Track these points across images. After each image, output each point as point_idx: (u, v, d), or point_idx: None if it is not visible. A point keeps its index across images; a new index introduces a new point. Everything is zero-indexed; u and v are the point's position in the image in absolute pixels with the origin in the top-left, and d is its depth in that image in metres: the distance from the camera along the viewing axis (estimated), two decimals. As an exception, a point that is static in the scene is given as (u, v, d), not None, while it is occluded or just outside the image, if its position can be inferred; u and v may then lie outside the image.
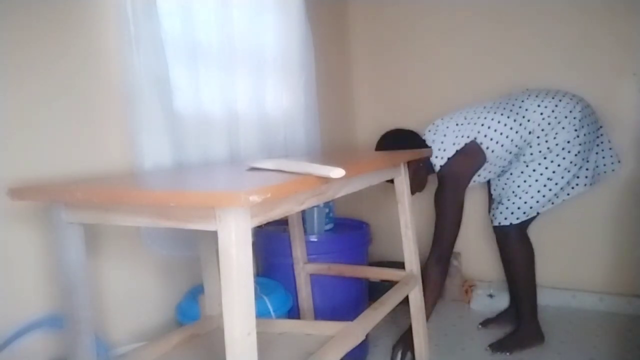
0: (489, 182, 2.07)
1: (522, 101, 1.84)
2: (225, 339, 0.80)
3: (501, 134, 1.80)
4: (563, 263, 2.33)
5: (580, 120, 1.77)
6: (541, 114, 1.79)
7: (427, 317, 1.72)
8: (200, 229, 0.82)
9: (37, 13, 1.20)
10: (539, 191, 1.82)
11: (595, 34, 2.17)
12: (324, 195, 1.09)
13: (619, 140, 2.11)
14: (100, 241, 1.36)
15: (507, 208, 1.87)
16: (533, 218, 1.90)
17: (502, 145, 1.81)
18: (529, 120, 1.79)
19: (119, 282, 1.41)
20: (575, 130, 1.76)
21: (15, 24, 1.16)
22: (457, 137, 1.86)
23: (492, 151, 1.82)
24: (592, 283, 2.29)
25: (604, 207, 2.23)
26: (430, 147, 1.91)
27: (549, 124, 1.77)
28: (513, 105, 1.85)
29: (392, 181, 1.57)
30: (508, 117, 1.81)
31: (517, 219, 1.86)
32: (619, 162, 1.93)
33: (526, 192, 1.83)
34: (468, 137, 1.84)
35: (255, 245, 1.82)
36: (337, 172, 0.92)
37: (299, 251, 1.76)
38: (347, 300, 1.84)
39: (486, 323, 2.15)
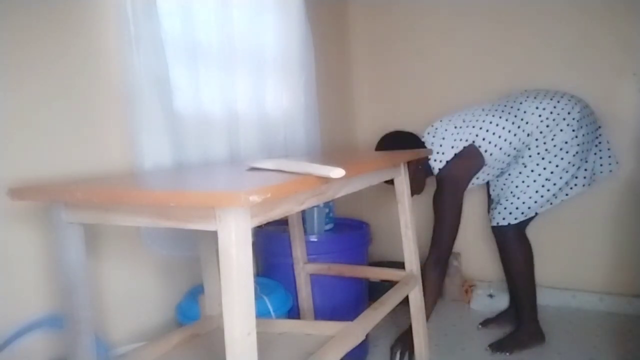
0: (487, 182, 2.07)
1: (521, 103, 1.84)
2: (225, 339, 0.80)
3: (500, 137, 1.80)
4: (563, 263, 2.33)
5: (578, 121, 1.77)
6: (539, 116, 1.79)
7: (427, 318, 1.72)
8: (200, 229, 0.82)
9: (37, 13, 1.20)
10: (537, 191, 1.82)
11: (595, 34, 2.17)
12: (324, 195, 1.09)
13: (619, 141, 2.11)
14: (100, 241, 1.36)
15: (505, 208, 1.87)
16: (531, 218, 1.90)
17: (500, 149, 1.81)
18: (527, 123, 1.79)
19: (119, 282, 1.41)
20: (573, 130, 1.76)
21: (15, 24, 1.16)
22: (455, 140, 1.86)
23: (491, 154, 1.82)
24: (592, 283, 2.29)
25: (604, 207, 2.23)
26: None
27: (547, 126, 1.78)
28: (511, 107, 1.85)
29: (391, 182, 1.58)
30: (506, 120, 1.81)
31: (515, 219, 1.86)
32: (617, 163, 1.93)
33: (524, 193, 1.83)
34: (467, 140, 1.84)
35: (255, 245, 1.82)
36: (337, 172, 0.92)
37: (299, 251, 1.76)
38: (347, 300, 1.84)
39: (486, 323, 2.15)
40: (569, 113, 1.77)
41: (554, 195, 1.83)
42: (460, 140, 1.85)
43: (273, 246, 1.85)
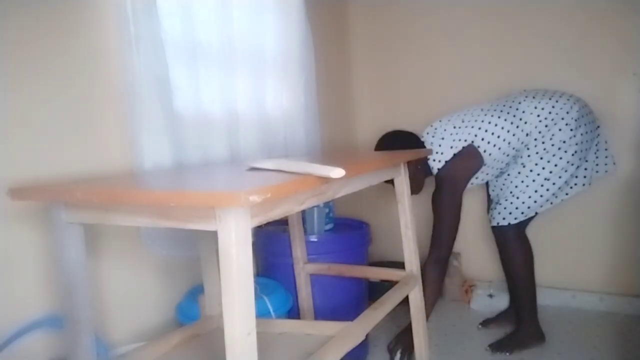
0: (487, 182, 2.07)
1: (519, 103, 1.84)
2: (225, 339, 0.80)
3: (498, 137, 1.80)
4: (563, 263, 2.33)
5: (576, 120, 1.77)
6: (538, 115, 1.79)
7: (427, 317, 1.72)
8: (200, 229, 0.82)
9: (37, 13, 1.20)
10: (536, 191, 1.82)
11: (595, 34, 2.17)
12: (324, 195, 1.09)
13: (619, 141, 2.11)
14: (100, 241, 1.36)
15: (505, 208, 1.87)
16: (531, 218, 1.90)
17: (499, 149, 1.81)
18: (525, 123, 1.80)
19: (119, 282, 1.41)
20: (571, 130, 1.76)
21: (15, 24, 1.16)
22: (454, 140, 1.86)
23: (490, 154, 1.82)
24: (592, 283, 2.29)
25: (604, 207, 2.23)
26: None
27: (545, 126, 1.78)
28: (510, 107, 1.85)
29: (391, 182, 1.58)
30: (505, 120, 1.81)
31: (515, 219, 1.86)
32: (614, 164, 1.93)
33: (524, 193, 1.83)
34: (465, 140, 1.84)
35: (255, 245, 1.82)
36: (337, 172, 0.92)
37: (299, 251, 1.76)
38: (347, 300, 1.84)
39: (486, 323, 2.15)
40: (567, 112, 1.77)
41: (553, 194, 1.83)
42: (460, 140, 1.85)
43: (273, 246, 1.85)
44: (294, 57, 1.97)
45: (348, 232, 1.96)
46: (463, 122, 1.89)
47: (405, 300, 1.56)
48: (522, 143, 1.81)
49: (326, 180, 0.97)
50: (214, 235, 0.80)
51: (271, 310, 1.50)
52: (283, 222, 1.69)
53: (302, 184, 0.92)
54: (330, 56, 2.49)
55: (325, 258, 1.79)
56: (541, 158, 1.80)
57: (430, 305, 1.80)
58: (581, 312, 2.26)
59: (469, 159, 1.84)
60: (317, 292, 1.81)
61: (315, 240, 1.81)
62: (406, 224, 1.60)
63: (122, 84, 1.37)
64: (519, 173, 1.85)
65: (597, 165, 1.91)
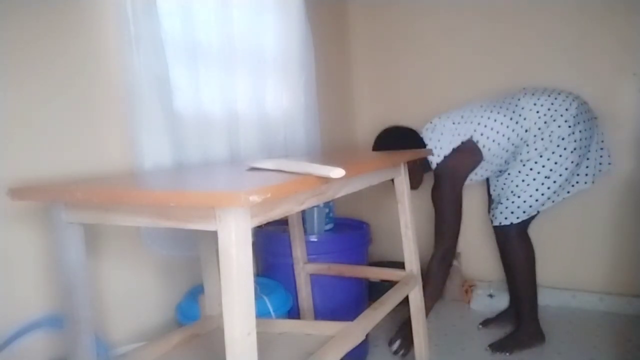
0: (488, 182, 2.07)
1: (519, 99, 1.85)
2: (225, 339, 0.80)
3: (498, 132, 1.81)
4: (563, 263, 2.33)
5: (575, 117, 1.77)
6: (537, 112, 1.79)
7: (427, 312, 1.73)
8: (200, 229, 0.83)
9: (37, 13, 1.20)
10: (537, 189, 1.82)
11: (595, 34, 2.17)
12: (324, 195, 1.09)
13: (619, 141, 2.11)
14: (100, 241, 1.36)
15: (506, 208, 1.87)
16: (533, 217, 1.90)
17: (498, 144, 1.81)
18: (525, 119, 1.80)
19: (119, 282, 1.41)
20: (570, 127, 1.76)
21: (15, 24, 1.16)
22: (453, 135, 1.86)
23: (489, 149, 1.82)
24: (592, 283, 2.29)
25: (604, 207, 2.23)
26: (427, 146, 1.91)
27: (545, 122, 1.78)
28: (509, 104, 1.85)
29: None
30: (504, 116, 1.82)
31: (518, 218, 1.86)
32: (609, 164, 1.92)
33: (525, 191, 1.83)
34: (465, 135, 1.84)
35: (255, 245, 1.82)
36: (337, 172, 0.92)
37: (299, 251, 1.76)
38: (347, 300, 1.84)
39: (486, 323, 2.15)
40: (566, 109, 1.77)
41: (554, 192, 1.83)
42: (459, 135, 1.86)
43: (273, 246, 1.85)
44: (294, 57, 1.97)
45: (348, 232, 1.96)
46: (462, 118, 1.89)
47: (405, 300, 1.56)
48: (521, 139, 1.81)
49: (326, 180, 0.97)
50: (214, 235, 0.80)
51: (271, 310, 1.50)
52: (283, 222, 1.69)
53: (302, 184, 0.92)
54: (330, 56, 2.49)
55: (325, 258, 1.79)
56: (541, 156, 1.80)
57: (432, 300, 1.81)
58: (581, 312, 2.25)
59: (468, 153, 1.85)
60: (317, 292, 1.81)
61: (315, 240, 1.81)
62: (406, 224, 1.60)
63: (122, 84, 1.37)
64: (520, 172, 1.85)
65: (600, 164, 1.91)
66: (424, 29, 2.55)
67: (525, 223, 1.90)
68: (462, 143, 1.85)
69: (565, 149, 1.77)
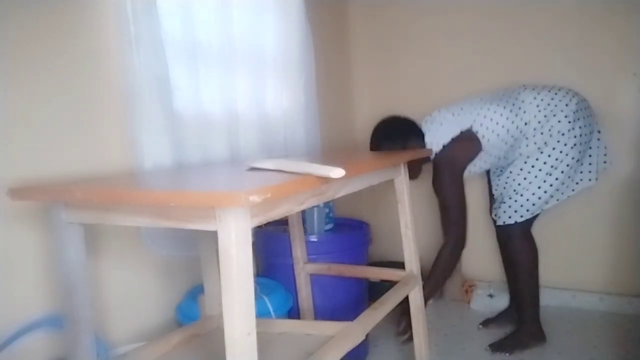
0: (489, 182, 2.07)
1: (519, 94, 1.86)
2: (225, 339, 0.80)
3: (497, 123, 1.81)
4: (563, 263, 2.33)
5: (575, 113, 1.77)
6: (537, 106, 1.80)
7: (430, 296, 1.77)
8: (200, 229, 0.83)
9: (37, 13, 1.20)
10: (539, 187, 1.81)
11: (595, 34, 2.17)
12: (324, 195, 1.09)
13: (619, 141, 2.11)
14: (100, 241, 1.36)
15: (510, 207, 1.86)
16: (536, 216, 1.90)
17: (497, 135, 1.82)
18: (525, 112, 1.81)
19: (119, 282, 1.41)
20: (569, 122, 1.77)
21: (15, 24, 1.16)
22: (453, 125, 1.88)
23: (488, 140, 1.83)
24: (592, 283, 2.29)
25: (604, 207, 2.23)
26: (426, 144, 1.91)
27: (544, 116, 1.78)
28: (509, 97, 1.86)
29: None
30: (504, 108, 1.83)
31: (521, 216, 1.85)
32: (604, 162, 1.92)
33: (527, 189, 1.83)
34: (464, 125, 1.86)
35: (255, 245, 1.82)
36: (337, 172, 0.92)
37: (299, 251, 1.76)
38: (347, 300, 1.84)
39: (487, 323, 2.15)
40: (566, 105, 1.78)
41: (557, 190, 1.83)
42: (458, 124, 1.87)
43: (273, 246, 1.85)
44: (294, 57, 1.97)
45: (348, 232, 1.96)
46: (462, 110, 1.90)
47: (406, 300, 1.56)
48: (521, 132, 1.81)
49: (326, 180, 0.97)
50: (214, 235, 0.80)
51: (271, 310, 1.50)
52: (283, 222, 1.69)
53: (302, 184, 0.92)
54: (330, 56, 2.49)
55: (325, 258, 1.79)
56: (541, 152, 1.80)
57: (436, 288, 1.83)
58: (581, 312, 2.25)
59: (467, 143, 1.85)
60: (317, 292, 1.81)
61: (315, 240, 1.81)
62: (406, 224, 1.60)
63: (122, 84, 1.37)
64: (521, 169, 1.84)
65: (604, 162, 1.91)
66: (424, 29, 2.55)
67: (529, 222, 1.89)
68: (462, 132, 1.85)
69: (565, 144, 1.77)
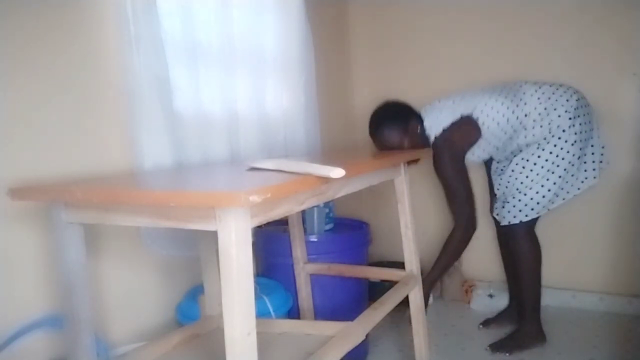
0: (490, 181, 2.06)
1: (520, 86, 1.88)
2: (225, 339, 0.80)
3: (498, 112, 1.82)
4: (563, 263, 2.33)
5: (575, 109, 1.78)
6: (538, 98, 1.81)
7: (435, 280, 1.82)
8: (200, 229, 0.83)
9: (37, 13, 1.20)
10: (543, 186, 1.81)
11: (595, 34, 2.17)
12: (324, 195, 1.09)
13: (619, 140, 2.11)
14: (100, 241, 1.36)
15: (514, 206, 1.86)
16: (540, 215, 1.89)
17: (498, 123, 1.82)
18: (525, 104, 1.81)
19: (119, 282, 1.41)
20: (570, 119, 1.77)
21: (15, 24, 1.16)
22: (453, 111, 1.88)
23: (488, 127, 1.83)
24: (592, 283, 2.29)
25: (604, 207, 2.23)
26: (426, 128, 1.92)
27: (545, 108, 1.79)
28: (511, 89, 1.88)
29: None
30: (506, 97, 1.84)
31: (527, 216, 1.84)
32: (600, 162, 1.92)
33: (530, 188, 1.82)
34: (465, 111, 1.87)
35: (255, 245, 1.82)
36: (337, 172, 0.92)
37: (299, 251, 1.76)
38: (347, 300, 1.84)
39: (487, 323, 2.15)
40: (567, 100, 1.79)
41: (561, 188, 1.83)
42: (459, 110, 1.88)
43: (273, 246, 1.85)
44: (294, 57, 1.97)
45: (348, 232, 1.96)
46: (463, 98, 1.91)
47: (406, 300, 1.56)
48: (520, 123, 1.82)
49: (326, 180, 0.97)
50: (214, 235, 0.80)
51: (271, 310, 1.50)
52: (283, 222, 1.69)
53: (302, 184, 0.92)
54: (330, 56, 2.49)
55: (325, 258, 1.79)
56: (543, 150, 1.79)
57: (445, 269, 1.87)
58: (581, 312, 2.25)
59: (467, 127, 1.86)
60: (317, 292, 1.81)
61: (315, 240, 1.81)
62: (406, 224, 1.60)
63: (122, 84, 1.37)
64: (524, 168, 1.83)
65: (600, 162, 1.91)
66: (424, 29, 2.55)
67: (534, 221, 1.89)
68: (462, 117, 1.86)
69: (566, 141, 1.77)
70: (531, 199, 1.83)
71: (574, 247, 2.31)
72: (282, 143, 1.95)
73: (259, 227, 1.74)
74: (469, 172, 1.91)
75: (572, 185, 1.85)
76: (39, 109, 1.21)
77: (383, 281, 2.05)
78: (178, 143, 1.48)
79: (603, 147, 1.89)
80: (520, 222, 1.85)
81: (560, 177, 1.80)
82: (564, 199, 1.86)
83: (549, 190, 1.81)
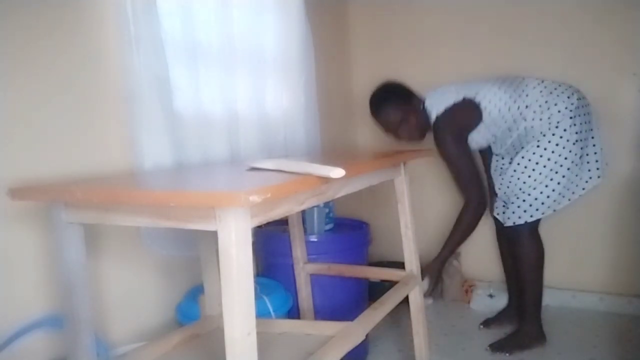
0: (490, 180, 2.06)
1: (523, 79, 1.90)
2: (225, 339, 0.80)
3: (500, 99, 1.84)
4: (563, 263, 2.33)
5: (576, 108, 1.78)
6: (540, 91, 1.83)
7: (446, 258, 1.88)
8: (200, 229, 0.83)
9: (37, 13, 1.20)
10: (547, 185, 1.81)
11: (595, 33, 2.17)
12: (324, 195, 1.09)
13: (619, 140, 2.11)
14: (100, 241, 1.36)
15: (518, 207, 1.85)
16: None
17: (499, 110, 1.84)
18: (527, 95, 1.83)
19: (119, 282, 1.41)
20: (571, 118, 1.77)
21: (15, 24, 1.16)
22: (456, 93, 1.90)
23: (489, 113, 1.85)
24: (592, 283, 2.29)
25: (605, 207, 2.23)
26: (427, 107, 1.93)
27: (545, 101, 1.80)
28: (513, 80, 1.90)
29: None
30: (508, 86, 1.86)
31: (531, 216, 1.84)
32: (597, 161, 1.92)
33: (534, 188, 1.82)
34: (467, 93, 1.88)
35: (255, 245, 1.82)
36: (337, 172, 0.92)
37: (299, 251, 1.76)
38: (347, 300, 1.84)
39: (487, 323, 2.14)
40: (568, 97, 1.80)
41: (567, 189, 1.82)
42: (462, 92, 1.89)
43: (273, 246, 1.85)
44: (294, 57, 1.97)
45: (348, 232, 1.96)
46: (465, 85, 1.93)
47: (406, 301, 1.56)
48: (521, 114, 1.82)
49: (326, 180, 0.97)
50: (214, 235, 0.80)
51: (271, 310, 1.50)
52: (283, 222, 1.69)
53: (302, 184, 0.92)
54: (330, 56, 2.49)
55: (325, 258, 1.79)
56: (545, 149, 1.79)
57: (454, 247, 1.89)
58: (581, 312, 2.25)
59: (468, 109, 1.87)
60: (317, 292, 1.81)
61: (315, 240, 1.81)
62: (406, 224, 1.60)
63: (122, 84, 1.37)
64: (526, 167, 1.83)
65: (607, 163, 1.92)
66: (424, 29, 2.55)
67: (537, 222, 1.88)
68: (464, 99, 1.87)
69: (567, 140, 1.77)
70: (535, 199, 1.82)
71: (574, 247, 2.31)
72: (282, 143, 1.95)
73: (259, 227, 1.75)
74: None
75: (576, 186, 1.85)
76: (39, 109, 1.21)
77: (383, 281, 2.04)
78: (178, 143, 1.48)
79: (601, 149, 1.89)
80: (525, 222, 1.85)
81: (564, 176, 1.80)
82: (569, 200, 1.86)
83: (553, 190, 1.81)
